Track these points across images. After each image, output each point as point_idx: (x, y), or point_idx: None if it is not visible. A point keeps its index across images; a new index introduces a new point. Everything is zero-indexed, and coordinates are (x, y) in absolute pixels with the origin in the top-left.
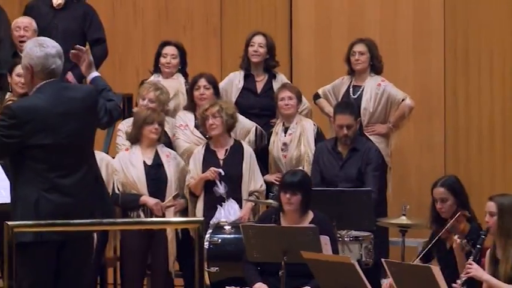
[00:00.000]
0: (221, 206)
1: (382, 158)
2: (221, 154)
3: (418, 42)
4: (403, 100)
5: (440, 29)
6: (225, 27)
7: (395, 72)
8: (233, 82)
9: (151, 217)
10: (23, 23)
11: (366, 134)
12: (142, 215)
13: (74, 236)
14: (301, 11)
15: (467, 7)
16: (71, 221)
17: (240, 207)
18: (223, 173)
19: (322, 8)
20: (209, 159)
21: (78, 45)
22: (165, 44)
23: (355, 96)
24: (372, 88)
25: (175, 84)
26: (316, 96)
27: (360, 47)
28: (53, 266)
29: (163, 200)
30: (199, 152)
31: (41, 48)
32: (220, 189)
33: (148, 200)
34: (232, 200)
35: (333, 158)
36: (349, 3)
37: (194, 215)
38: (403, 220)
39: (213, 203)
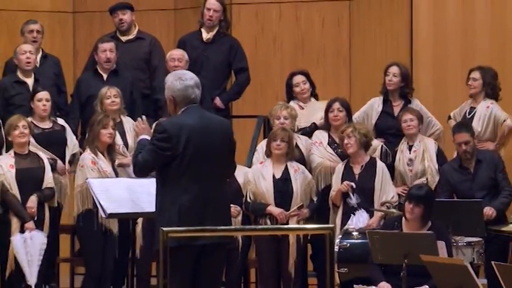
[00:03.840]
0: (354, 214)
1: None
2: (357, 169)
3: None
4: (504, 121)
5: None
6: (353, 58)
7: (504, 96)
8: (373, 106)
9: (276, 225)
10: (177, 55)
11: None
12: (269, 222)
13: (211, 243)
14: (421, 43)
15: None
16: (218, 227)
17: (371, 216)
18: (354, 186)
19: (439, 40)
20: (347, 174)
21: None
22: (293, 74)
23: (469, 117)
24: (482, 110)
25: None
26: (449, 118)
27: (474, 74)
28: (191, 269)
29: (287, 210)
30: (339, 168)
31: (180, 81)
32: (353, 200)
33: (273, 209)
34: (362, 209)
35: (462, 174)
36: (462, 36)
37: (334, 222)
38: (510, 228)
39: (348, 212)
